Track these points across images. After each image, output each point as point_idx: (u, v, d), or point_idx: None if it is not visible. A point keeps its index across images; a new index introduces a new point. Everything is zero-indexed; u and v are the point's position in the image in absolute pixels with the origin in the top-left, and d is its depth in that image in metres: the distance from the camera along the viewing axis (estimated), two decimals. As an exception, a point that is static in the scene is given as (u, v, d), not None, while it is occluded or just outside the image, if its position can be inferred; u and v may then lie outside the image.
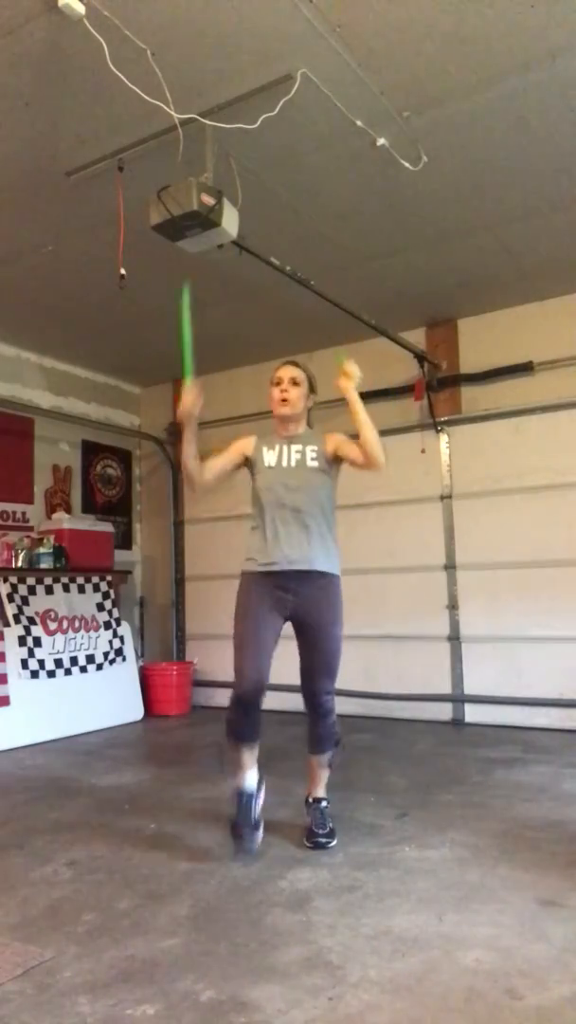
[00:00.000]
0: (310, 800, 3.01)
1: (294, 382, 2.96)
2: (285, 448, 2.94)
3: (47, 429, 6.32)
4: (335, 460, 2.93)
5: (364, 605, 5.75)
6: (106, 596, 5.95)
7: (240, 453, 2.99)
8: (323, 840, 2.82)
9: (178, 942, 2.10)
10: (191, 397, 2.78)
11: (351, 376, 2.84)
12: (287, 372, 2.98)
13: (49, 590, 5.53)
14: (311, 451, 2.92)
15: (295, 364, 3.03)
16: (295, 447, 2.93)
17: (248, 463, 2.99)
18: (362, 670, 5.66)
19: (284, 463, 2.91)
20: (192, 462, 2.86)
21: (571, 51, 2.92)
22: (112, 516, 6.86)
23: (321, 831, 2.86)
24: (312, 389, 3.02)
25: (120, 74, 2.82)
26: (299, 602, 2.81)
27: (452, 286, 5.12)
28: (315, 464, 2.90)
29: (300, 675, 2.90)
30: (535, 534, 5.21)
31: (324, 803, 2.98)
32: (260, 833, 2.82)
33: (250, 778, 2.86)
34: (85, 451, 6.70)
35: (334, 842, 2.83)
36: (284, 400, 2.94)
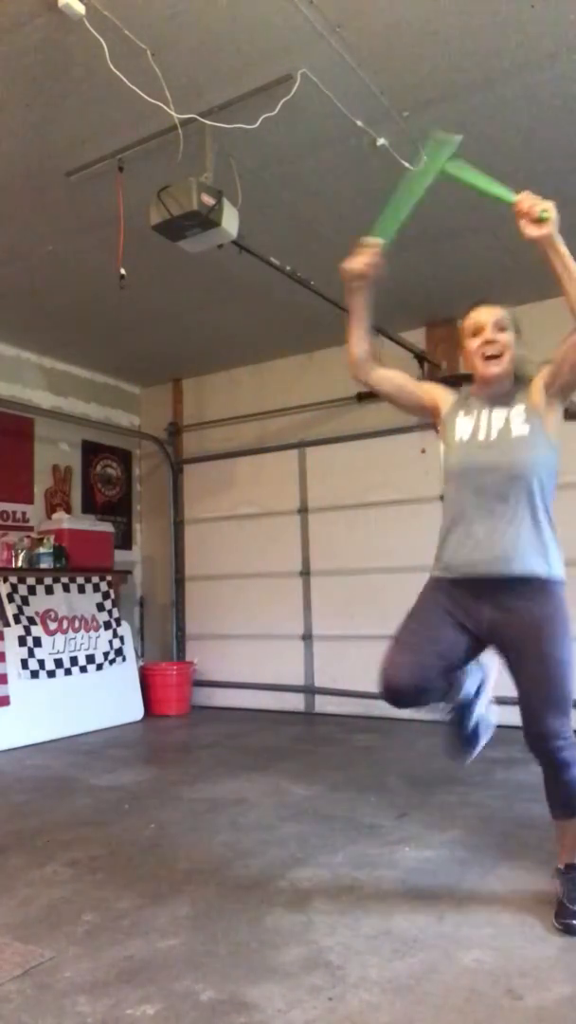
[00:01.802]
0: (562, 867, 2.25)
1: (499, 327, 2.19)
2: (485, 414, 2.20)
3: (47, 429, 6.31)
4: (551, 402, 2.16)
5: (364, 605, 5.75)
6: (106, 596, 5.95)
7: (431, 398, 2.34)
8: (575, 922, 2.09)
9: (178, 942, 2.10)
10: (366, 257, 2.24)
11: (546, 218, 2.08)
12: (488, 314, 2.20)
13: (49, 590, 5.53)
14: (518, 413, 2.16)
15: (494, 305, 2.27)
16: (497, 412, 2.19)
17: (437, 418, 2.32)
18: (362, 670, 5.65)
19: (481, 435, 2.17)
20: (359, 345, 2.29)
21: (571, 51, 2.92)
22: (112, 516, 6.86)
23: (574, 906, 2.12)
24: (518, 330, 2.27)
25: (120, 74, 2.82)
26: (500, 617, 2.13)
27: (452, 286, 5.11)
28: (525, 430, 2.13)
29: (521, 713, 2.19)
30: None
31: None
32: (478, 748, 2.38)
33: (465, 685, 2.30)
34: (85, 451, 6.70)
35: None
36: (492, 355, 2.17)
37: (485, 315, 2.20)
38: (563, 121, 3.35)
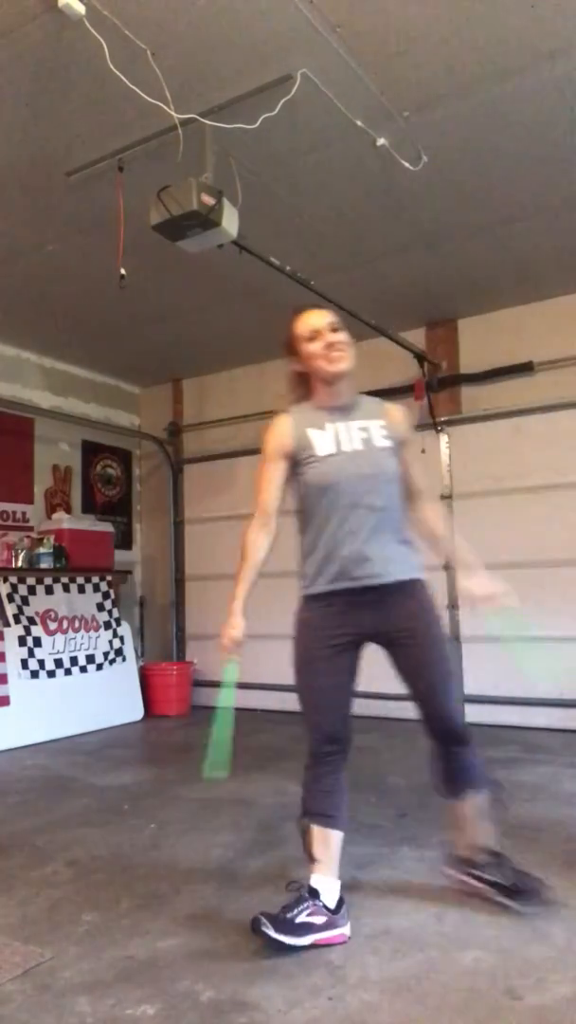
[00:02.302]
0: (482, 858, 2.29)
1: (334, 328, 2.21)
2: (342, 427, 2.21)
3: (47, 429, 6.31)
4: (396, 448, 2.26)
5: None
6: (106, 596, 5.95)
7: (282, 456, 2.24)
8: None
9: (178, 942, 2.10)
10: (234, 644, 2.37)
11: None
12: (321, 318, 2.22)
13: (49, 590, 5.53)
14: (379, 427, 2.23)
15: (321, 308, 2.31)
16: (357, 423, 2.23)
17: (294, 458, 2.23)
18: (362, 670, 5.65)
19: (347, 446, 2.18)
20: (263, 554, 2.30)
21: (571, 51, 2.92)
22: (112, 516, 6.86)
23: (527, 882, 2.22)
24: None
25: (120, 74, 2.82)
26: (382, 619, 2.20)
27: (452, 286, 5.12)
28: (387, 443, 2.21)
29: (416, 701, 2.31)
30: (535, 534, 5.21)
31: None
32: (289, 939, 2.01)
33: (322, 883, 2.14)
34: (85, 451, 6.70)
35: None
36: (338, 351, 2.19)
37: (318, 319, 2.22)
38: (563, 121, 3.35)
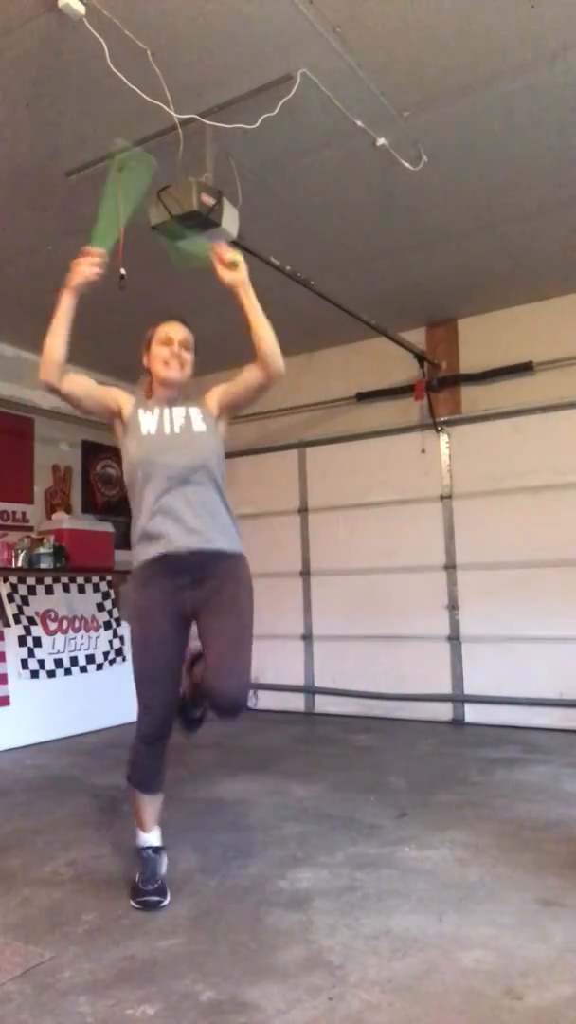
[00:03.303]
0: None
1: (186, 346, 2.52)
2: (166, 412, 2.48)
3: (47, 429, 6.31)
4: (221, 414, 2.55)
5: (364, 605, 5.75)
6: (106, 596, 5.95)
7: (115, 400, 2.55)
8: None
9: (178, 942, 2.10)
10: (92, 263, 2.40)
11: (236, 264, 2.43)
12: (178, 332, 2.52)
13: (49, 590, 5.53)
14: (196, 413, 2.50)
15: (182, 320, 2.59)
16: (178, 410, 2.49)
17: (120, 420, 2.53)
18: (362, 670, 5.66)
19: (167, 429, 2.45)
20: (60, 349, 2.50)
21: (571, 51, 2.92)
22: (112, 516, 6.86)
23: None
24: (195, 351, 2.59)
25: (120, 74, 2.82)
26: (198, 589, 2.37)
27: (452, 286, 5.12)
28: (203, 427, 2.47)
29: (208, 668, 2.36)
30: (535, 534, 5.21)
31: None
32: (166, 900, 2.36)
33: (155, 836, 2.56)
34: (85, 451, 6.70)
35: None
36: (178, 363, 2.49)
37: (176, 332, 2.52)
38: (563, 121, 3.35)
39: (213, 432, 2.48)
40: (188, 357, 2.51)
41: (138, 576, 2.44)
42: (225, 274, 2.43)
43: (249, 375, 2.47)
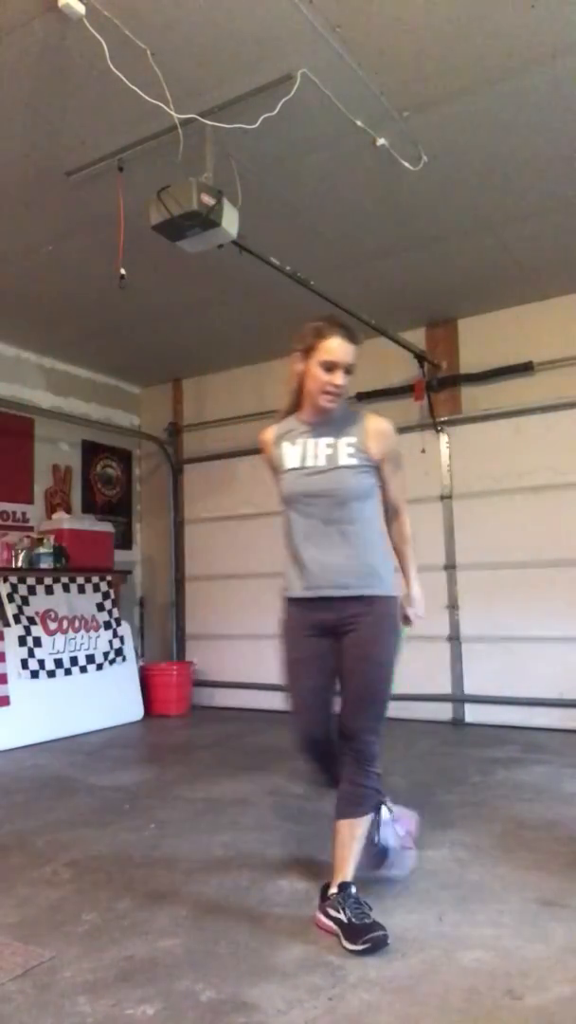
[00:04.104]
0: (335, 891, 2.17)
1: (349, 371, 2.26)
2: (311, 443, 2.30)
3: (47, 429, 6.32)
4: (377, 466, 2.33)
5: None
6: (106, 596, 5.95)
7: (268, 465, 2.46)
8: (380, 933, 2.02)
9: (178, 942, 2.10)
10: None
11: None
12: (346, 355, 2.24)
13: (49, 590, 5.53)
14: (347, 445, 2.27)
15: (354, 338, 2.29)
16: (324, 440, 2.29)
17: (271, 466, 2.43)
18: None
19: (310, 462, 2.29)
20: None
21: (571, 51, 2.92)
22: (112, 516, 6.86)
23: (367, 921, 2.07)
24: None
25: (120, 74, 2.82)
26: (341, 623, 2.27)
27: (452, 286, 5.12)
28: (353, 461, 2.26)
29: (340, 709, 2.32)
30: (535, 534, 5.21)
31: (353, 888, 2.17)
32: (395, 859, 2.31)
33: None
34: (85, 451, 6.70)
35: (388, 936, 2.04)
36: (335, 393, 2.26)
37: (341, 354, 2.24)
38: (563, 121, 3.35)
39: (363, 470, 2.28)
40: (348, 382, 2.29)
41: (285, 607, 2.39)
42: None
43: (392, 499, 2.41)
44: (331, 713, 2.31)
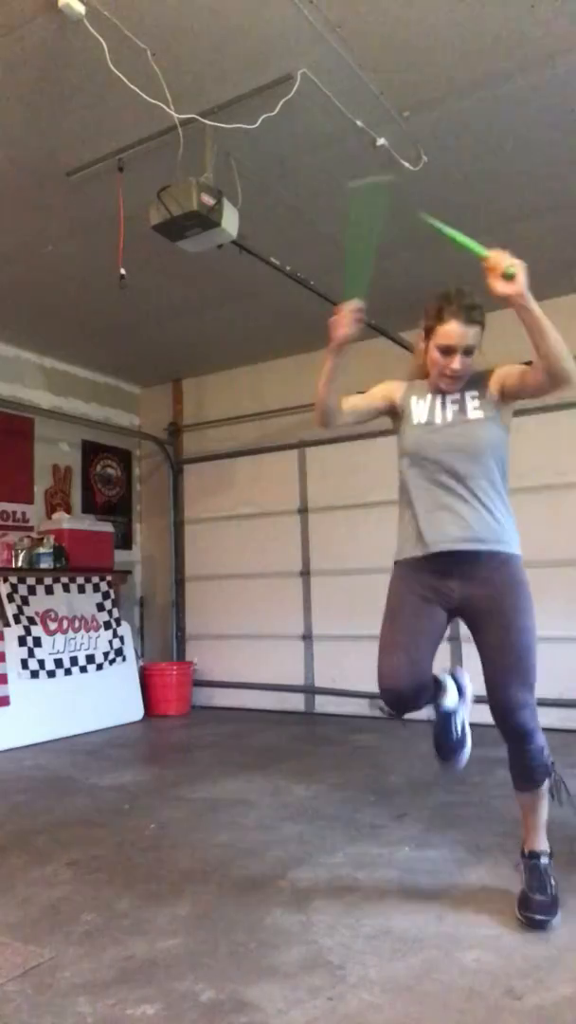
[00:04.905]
0: (525, 852, 2.28)
1: (468, 352, 2.21)
2: (439, 399, 2.29)
3: (47, 429, 6.32)
4: (505, 399, 2.26)
5: (364, 605, 5.75)
6: (106, 596, 5.95)
7: (386, 397, 2.38)
8: (541, 917, 2.10)
9: (178, 942, 2.10)
10: (353, 318, 2.18)
11: (513, 275, 2.00)
12: (463, 338, 2.18)
13: (49, 590, 5.53)
14: (471, 397, 2.26)
15: (474, 319, 2.23)
16: (451, 396, 2.28)
17: (394, 412, 2.38)
18: (363, 669, 5.65)
19: (439, 419, 2.26)
20: (332, 398, 2.29)
21: (571, 51, 2.92)
22: (112, 516, 6.86)
23: (539, 896, 2.14)
24: (483, 324, 2.29)
25: (120, 74, 2.82)
26: (468, 591, 2.20)
27: (452, 286, 5.11)
28: (479, 414, 2.23)
29: (485, 686, 2.22)
30: (535, 534, 5.20)
31: (544, 858, 2.25)
32: (466, 751, 2.32)
33: (448, 699, 2.29)
34: (85, 451, 6.71)
35: (555, 919, 2.11)
36: (454, 377, 2.23)
37: (458, 338, 2.18)
38: (563, 121, 3.35)
39: (492, 419, 2.23)
40: (469, 363, 2.22)
41: (401, 568, 2.31)
42: (500, 286, 2.01)
43: (532, 379, 2.16)
44: (425, 669, 2.22)
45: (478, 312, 2.23)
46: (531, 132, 3.42)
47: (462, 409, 2.25)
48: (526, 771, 2.26)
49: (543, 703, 5.65)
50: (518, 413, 5.80)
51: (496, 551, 2.18)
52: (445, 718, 2.29)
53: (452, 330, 2.19)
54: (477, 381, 2.28)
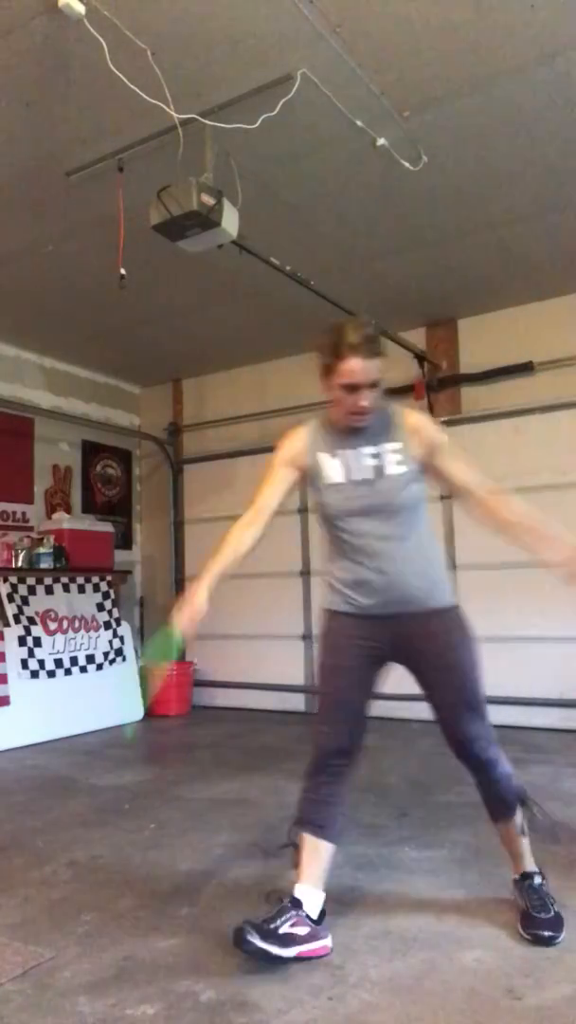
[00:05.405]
0: (517, 877, 2.23)
1: (372, 385, 2.05)
2: (351, 455, 2.14)
3: (47, 429, 6.31)
4: (424, 469, 2.17)
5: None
6: (106, 596, 5.95)
7: (292, 468, 2.23)
8: (549, 933, 2.04)
9: (178, 942, 2.10)
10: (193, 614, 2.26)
11: None
12: (366, 373, 2.03)
13: (49, 590, 5.53)
14: (393, 451, 2.12)
15: (375, 350, 2.05)
16: (367, 450, 2.13)
17: (304, 475, 2.22)
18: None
19: (356, 475, 2.13)
20: (244, 552, 2.32)
21: (571, 51, 2.92)
22: (112, 516, 6.86)
23: (543, 915, 2.09)
24: (384, 354, 2.12)
25: (120, 74, 2.82)
26: (403, 639, 2.15)
27: (452, 286, 5.12)
28: (401, 469, 2.11)
29: (440, 724, 2.20)
30: (535, 534, 5.20)
31: (537, 878, 2.19)
32: (274, 949, 1.94)
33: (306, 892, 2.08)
34: (85, 451, 6.70)
35: (562, 936, 2.04)
36: (363, 414, 2.09)
37: (360, 374, 2.03)
38: (563, 121, 3.35)
39: (413, 475, 2.13)
40: (375, 396, 2.08)
41: (331, 618, 2.22)
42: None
43: (468, 501, 2.21)
44: (359, 729, 2.19)
45: (377, 343, 2.08)
46: (531, 132, 3.42)
47: (382, 464, 2.11)
48: (497, 802, 2.19)
49: (543, 703, 5.66)
50: (518, 413, 5.80)
51: (431, 608, 2.13)
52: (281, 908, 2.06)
53: (354, 367, 2.03)
54: (394, 429, 2.15)
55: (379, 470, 2.11)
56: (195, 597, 2.23)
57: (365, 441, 2.14)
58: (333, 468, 2.15)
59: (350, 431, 2.15)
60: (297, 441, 2.22)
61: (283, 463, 2.23)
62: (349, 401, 2.07)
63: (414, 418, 2.19)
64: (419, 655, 2.14)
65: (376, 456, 2.12)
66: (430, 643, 2.13)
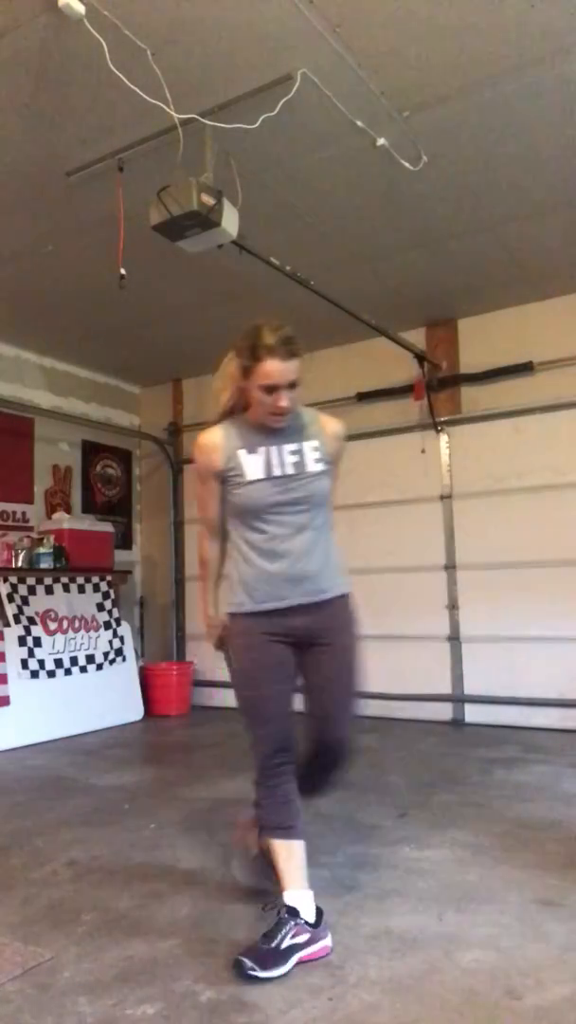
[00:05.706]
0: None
1: (292, 386, 2.09)
2: (274, 450, 2.16)
3: (47, 429, 6.31)
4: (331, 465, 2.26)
5: (364, 605, 5.74)
6: (106, 596, 5.95)
7: (215, 474, 2.20)
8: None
9: (178, 942, 2.10)
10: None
11: None
12: (285, 375, 2.06)
13: (49, 590, 5.53)
14: (312, 449, 2.18)
15: (292, 351, 2.09)
16: (289, 446, 2.17)
17: (221, 477, 2.20)
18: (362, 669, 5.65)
19: (277, 470, 2.15)
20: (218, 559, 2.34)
21: (571, 51, 2.92)
22: (112, 516, 6.86)
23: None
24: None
25: (120, 74, 2.82)
26: (309, 627, 2.19)
27: (452, 286, 5.12)
28: (320, 467, 2.18)
29: (313, 717, 2.23)
30: (535, 534, 5.21)
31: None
32: (277, 971, 1.90)
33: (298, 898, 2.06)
34: (85, 451, 6.70)
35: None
36: (281, 414, 2.12)
37: (279, 375, 2.05)
38: (563, 121, 3.35)
39: (328, 473, 2.21)
40: (295, 397, 2.11)
41: (240, 620, 2.22)
42: None
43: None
44: (292, 723, 2.19)
45: (294, 344, 2.09)
46: (531, 132, 3.42)
47: (303, 460, 2.16)
48: (325, 784, 2.32)
49: (543, 703, 5.66)
50: (518, 413, 5.82)
51: (338, 595, 2.22)
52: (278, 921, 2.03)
53: (273, 369, 2.05)
54: (313, 427, 2.23)
55: (300, 465, 2.16)
56: (213, 620, 2.39)
57: (284, 439, 2.18)
58: (253, 464, 2.16)
59: (269, 430, 2.18)
60: (214, 450, 2.20)
61: (208, 477, 2.23)
62: (269, 402, 2.10)
63: (334, 424, 2.30)
64: (322, 639, 2.19)
65: (296, 452, 2.18)
66: (334, 623, 2.22)
